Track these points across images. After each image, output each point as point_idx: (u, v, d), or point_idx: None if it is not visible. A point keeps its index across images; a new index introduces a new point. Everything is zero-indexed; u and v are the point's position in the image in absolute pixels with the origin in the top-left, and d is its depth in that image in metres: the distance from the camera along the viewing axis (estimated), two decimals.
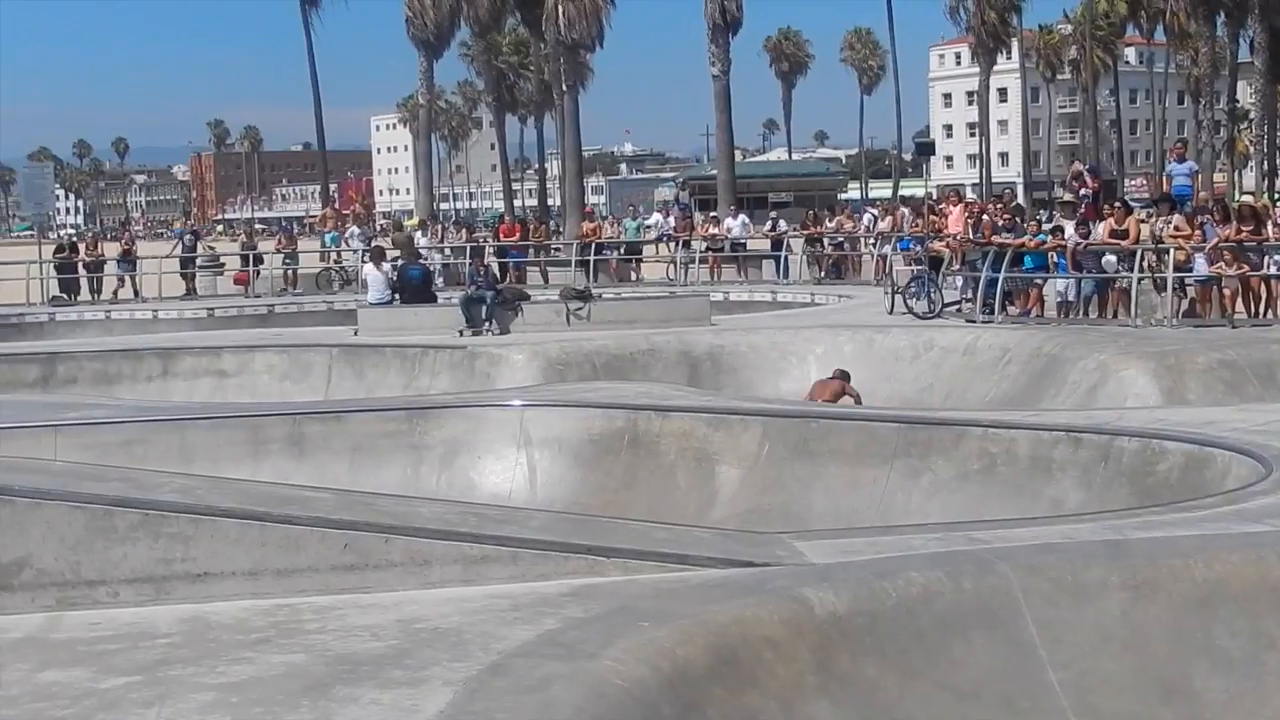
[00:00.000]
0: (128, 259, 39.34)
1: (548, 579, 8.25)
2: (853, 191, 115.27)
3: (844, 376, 20.58)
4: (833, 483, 14.49)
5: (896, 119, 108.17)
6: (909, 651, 7.56)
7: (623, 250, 41.47)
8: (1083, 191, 26.82)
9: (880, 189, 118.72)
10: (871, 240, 38.09)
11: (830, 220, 40.40)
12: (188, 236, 45.80)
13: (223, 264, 43.41)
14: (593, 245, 39.90)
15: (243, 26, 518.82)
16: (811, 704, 7.07)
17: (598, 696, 6.24)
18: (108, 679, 6.92)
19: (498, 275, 32.40)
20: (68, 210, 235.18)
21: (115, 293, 38.04)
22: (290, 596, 8.20)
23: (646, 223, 43.88)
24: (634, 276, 40.50)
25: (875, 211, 43.37)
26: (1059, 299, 25.27)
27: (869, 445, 14.65)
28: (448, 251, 40.97)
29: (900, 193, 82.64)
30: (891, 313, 26.35)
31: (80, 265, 39.28)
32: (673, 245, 39.99)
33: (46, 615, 8.18)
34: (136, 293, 37.71)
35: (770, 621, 7.32)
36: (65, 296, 37.75)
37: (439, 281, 34.95)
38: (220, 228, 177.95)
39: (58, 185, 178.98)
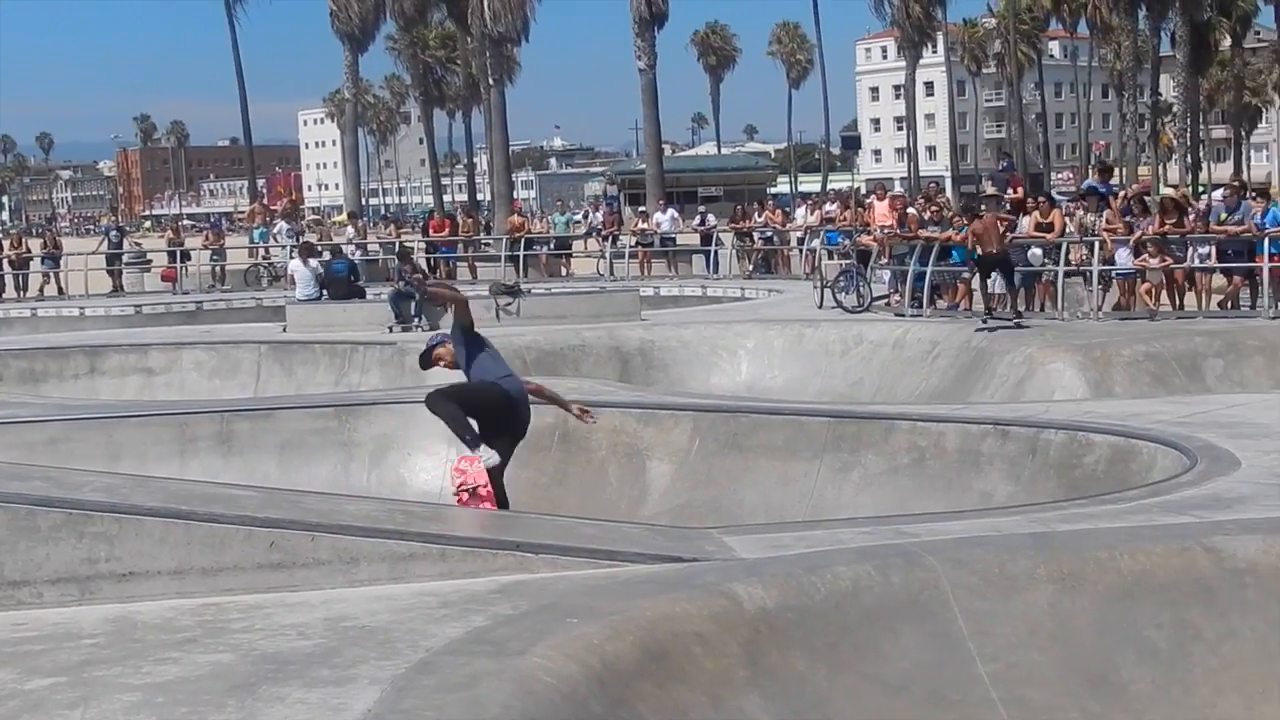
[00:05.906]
0: (53, 256, 38.96)
1: (476, 576, 8.23)
2: (782, 186, 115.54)
3: None
4: (763, 477, 14.54)
5: (824, 113, 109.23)
6: (838, 645, 7.59)
7: (552, 245, 41.47)
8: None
9: (809, 183, 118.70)
10: (800, 234, 38.12)
11: (759, 214, 40.39)
12: (114, 233, 45.44)
13: (150, 260, 42.95)
14: (522, 240, 39.81)
15: (167, 18, 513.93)
16: (741, 698, 7.09)
17: (526, 693, 6.22)
18: (32, 680, 6.84)
19: (426, 271, 32.25)
20: None
21: (41, 290, 37.68)
22: (216, 595, 8.13)
23: (576, 217, 43.87)
24: (564, 271, 40.49)
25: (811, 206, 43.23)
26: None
27: (799, 440, 14.71)
28: (373, 248, 40.78)
29: (830, 187, 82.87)
30: (821, 307, 26.45)
31: (4, 262, 38.90)
32: (602, 240, 39.94)
33: None
34: (61, 290, 37.33)
35: (699, 616, 7.34)
36: None
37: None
38: (148, 224, 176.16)
39: None
